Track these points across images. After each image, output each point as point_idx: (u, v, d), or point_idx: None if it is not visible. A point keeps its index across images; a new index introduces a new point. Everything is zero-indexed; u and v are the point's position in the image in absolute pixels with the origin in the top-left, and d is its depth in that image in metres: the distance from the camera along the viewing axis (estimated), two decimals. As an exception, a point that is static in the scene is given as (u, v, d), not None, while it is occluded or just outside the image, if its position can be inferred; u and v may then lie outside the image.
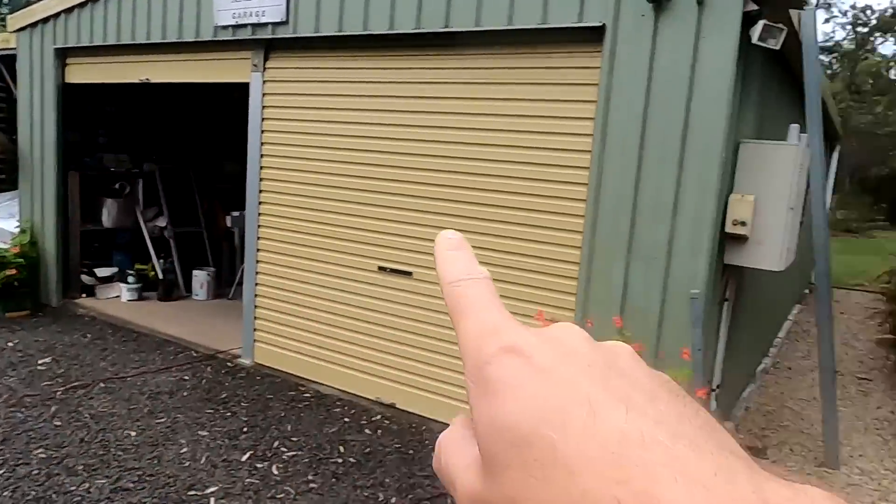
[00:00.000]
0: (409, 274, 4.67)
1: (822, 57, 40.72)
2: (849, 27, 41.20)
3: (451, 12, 4.25)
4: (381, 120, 4.68)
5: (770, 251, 3.76)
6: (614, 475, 0.24)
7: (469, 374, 0.30)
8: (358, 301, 4.88)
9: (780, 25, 3.48)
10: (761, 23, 3.41)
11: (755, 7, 3.42)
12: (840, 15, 43.93)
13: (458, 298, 0.33)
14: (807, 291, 11.02)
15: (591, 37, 3.82)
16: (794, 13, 3.87)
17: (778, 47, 3.51)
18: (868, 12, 40.57)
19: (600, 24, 3.76)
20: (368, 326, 4.85)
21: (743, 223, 3.70)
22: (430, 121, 4.47)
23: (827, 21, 53.55)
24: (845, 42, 40.83)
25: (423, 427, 4.51)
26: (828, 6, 40.17)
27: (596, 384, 0.27)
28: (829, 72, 38.93)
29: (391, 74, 4.62)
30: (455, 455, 0.31)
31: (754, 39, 3.44)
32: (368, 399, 4.84)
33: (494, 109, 4.23)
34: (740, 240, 3.78)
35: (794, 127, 3.86)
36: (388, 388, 4.77)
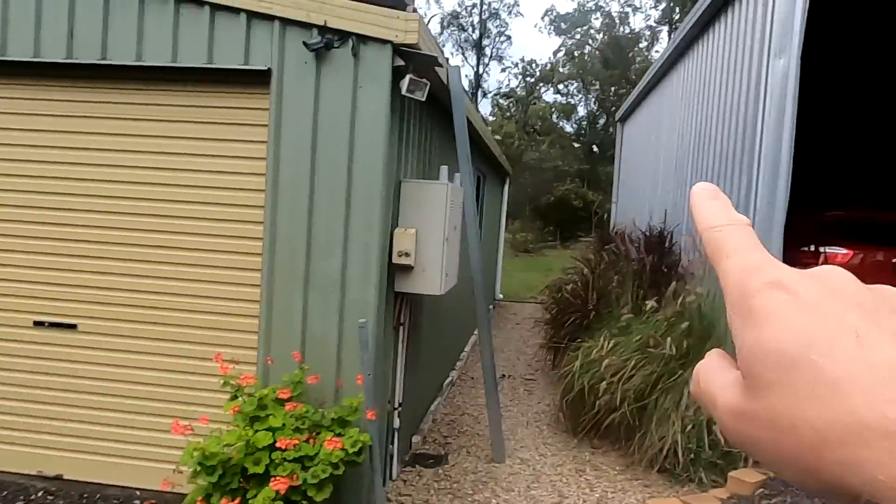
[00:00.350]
0: (73, 327, 4.20)
1: (501, 101, 46.93)
2: (520, 77, 48.22)
3: (109, 44, 4.00)
4: (32, 156, 4.17)
5: (432, 278, 4.22)
6: (883, 395, 0.27)
7: (733, 306, 0.33)
8: (7, 363, 4.23)
9: (424, 80, 3.97)
10: (408, 77, 3.85)
11: (402, 63, 3.86)
12: (513, 66, 51.06)
13: (720, 241, 0.36)
14: (491, 307, 12.50)
15: (259, 79, 3.92)
16: (442, 69, 4.45)
17: (423, 98, 4.00)
18: (533, 65, 48.04)
19: (266, 68, 3.88)
20: (22, 391, 4.23)
21: (407, 254, 4.10)
22: (89, 158, 4.12)
23: (503, 71, 62.08)
24: (518, 89, 47.65)
25: (98, 495, 4.06)
26: (500, 59, 46.55)
27: (865, 319, 0.30)
28: (507, 114, 45.00)
29: (39, 106, 4.16)
30: (715, 378, 0.34)
31: (403, 91, 3.86)
32: (27, 475, 4.21)
33: (164, 148, 4.07)
34: (407, 269, 4.18)
35: (444, 168, 4.42)
36: (52, 458, 4.20)
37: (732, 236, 0.36)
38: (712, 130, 6.78)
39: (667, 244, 6.80)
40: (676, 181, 8.22)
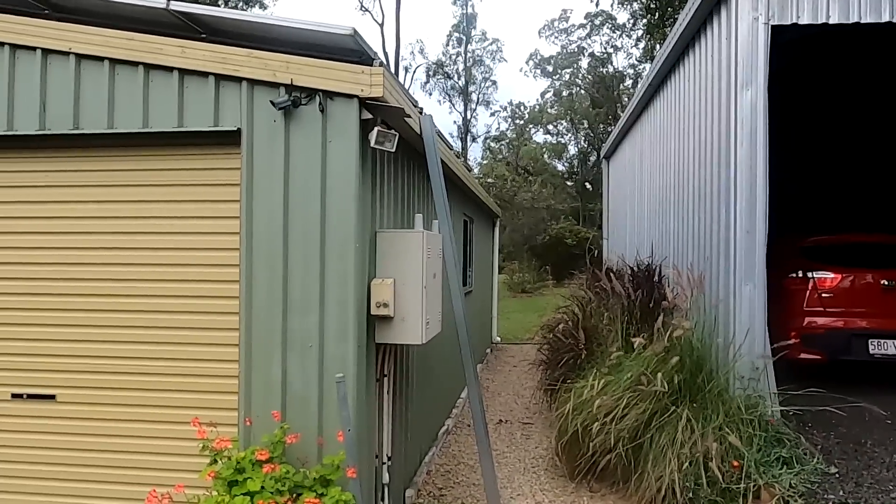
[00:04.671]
0: (51, 397, 4.15)
1: (492, 144, 47.54)
2: (509, 119, 48.99)
3: (80, 113, 4.06)
4: (4, 227, 4.20)
5: (412, 327, 4.18)
6: None
7: None
8: (-15, 438, 4.16)
9: (393, 132, 4.01)
10: (376, 129, 3.89)
11: (370, 116, 3.91)
12: (501, 110, 51.89)
13: None
14: (488, 350, 12.40)
15: (229, 140, 3.96)
16: (415, 119, 4.50)
17: (393, 149, 4.03)
18: (522, 108, 48.89)
19: (236, 129, 3.92)
20: (1, 466, 4.15)
21: (385, 304, 4.07)
22: (63, 226, 4.15)
23: (492, 115, 63.21)
24: (508, 132, 48.35)
25: (79, 571, 3.94)
26: (487, 104, 47.41)
27: None
28: (499, 157, 45.56)
29: (13, 178, 4.20)
30: None
31: (372, 143, 3.90)
32: (7, 554, 4.09)
33: (137, 212, 4.08)
34: (386, 319, 4.14)
35: (419, 216, 4.43)
36: (32, 534, 4.09)
37: None
38: (690, 163, 6.84)
39: (655, 278, 6.78)
40: (661, 214, 8.26)
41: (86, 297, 4.12)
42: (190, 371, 4.02)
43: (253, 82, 3.91)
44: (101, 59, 4.04)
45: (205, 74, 3.95)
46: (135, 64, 4.00)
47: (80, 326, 4.12)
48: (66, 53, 4.07)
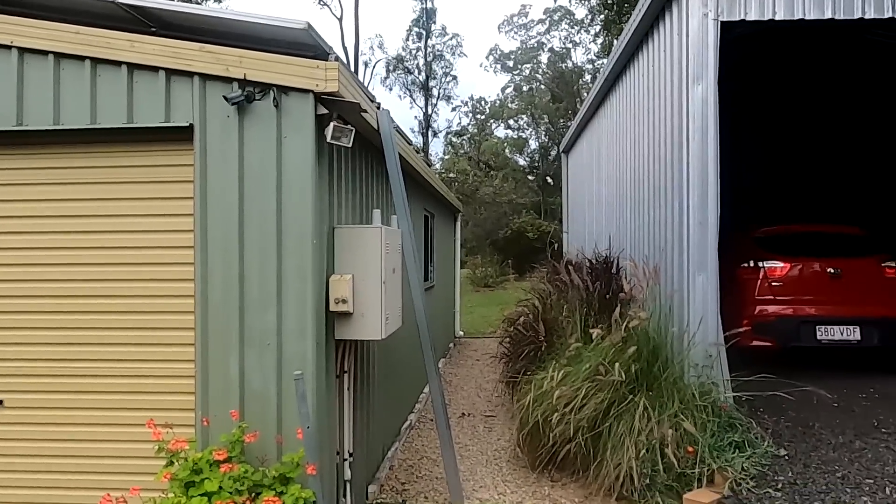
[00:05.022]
0: (-1, 402, 4.02)
1: (453, 139, 47.59)
2: (470, 115, 49.07)
3: (25, 109, 3.94)
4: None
5: (371, 323, 4.18)
6: None
7: None
8: (-71, 446, 4.01)
9: (349, 127, 3.99)
10: (332, 124, 3.86)
11: (326, 111, 3.88)
12: (462, 105, 51.99)
13: None
14: (451, 345, 12.45)
15: (182, 136, 3.89)
16: (372, 114, 4.48)
17: (349, 145, 4.01)
18: (482, 102, 49.01)
19: (188, 124, 3.85)
20: (-54, 475, 4.01)
21: (344, 300, 4.05)
22: (7, 226, 4.02)
23: (453, 110, 63.23)
24: (469, 127, 48.42)
25: (32, 580, 3.84)
26: (448, 98, 47.42)
27: None
28: (460, 152, 45.61)
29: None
30: None
31: (328, 139, 3.87)
32: (-46, 565, 3.96)
33: (86, 211, 3.98)
34: (345, 315, 4.13)
35: (377, 212, 4.43)
36: (-19, 544, 3.97)
37: None
38: (645, 157, 6.97)
39: (613, 270, 6.89)
40: (618, 207, 8.40)
41: (32, 298, 4.00)
42: (144, 372, 3.94)
43: (205, 77, 3.84)
44: (45, 52, 3.92)
45: (155, 69, 3.86)
46: (81, 58, 3.90)
47: (26, 329, 4.00)
48: (8, 47, 3.94)
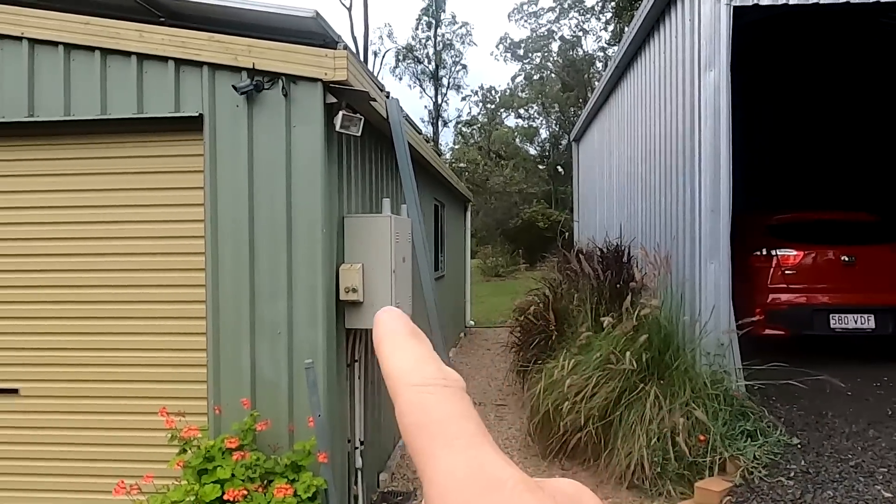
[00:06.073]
0: (14, 391, 4.07)
1: (463, 129, 47.45)
2: (480, 104, 48.85)
3: (36, 101, 3.96)
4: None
5: (382, 311, 4.17)
6: None
7: None
8: (-53, 435, 4.07)
9: (359, 115, 3.98)
10: (341, 113, 3.86)
11: (335, 100, 3.87)
12: (472, 94, 51.70)
13: (427, 411, 0.26)
14: (462, 335, 12.47)
15: (191, 126, 3.90)
16: (380, 103, 4.47)
17: (359, 133, 4.00)
18: (493, 92, 48.76)
19: (197, 114, 3.86)
20: (-36, 463, 4.07)
21: (354, 290, 4.06)
22: (22, 217, 4.05)
23: (463, 99, 63.01)
24: (480, 116, 48.22)
25: (49, 566, 3.89)
26: (458, 88, 47.22)
27: None
28: (471, 141, 45.46)
29: (-32, 168, 4.08)
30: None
31: (337, 128, 3.86)
32: (-27, 551, 4.03)
33: (98, 201, 4.00)
34: (356, 304, 4.14)
35: (386, 200, 4.42)
36: (-1, 530, 4.03)
37: (442, 408, 0.27)
38: (656, 144, 6.91)
39: (624, 258, 6.86)
40: (629, 196, 8.35)
41: (47, 288, 4.04)
42: (157, 361, 3.97)
43: (214, 67, 3.84)
44: (55, 43, 3.93)
45: (164, 59, 3.87)
46: (91, 49, 3.91)
47: (42, 319, 4.04)
48: (19, 38, 3.96)
